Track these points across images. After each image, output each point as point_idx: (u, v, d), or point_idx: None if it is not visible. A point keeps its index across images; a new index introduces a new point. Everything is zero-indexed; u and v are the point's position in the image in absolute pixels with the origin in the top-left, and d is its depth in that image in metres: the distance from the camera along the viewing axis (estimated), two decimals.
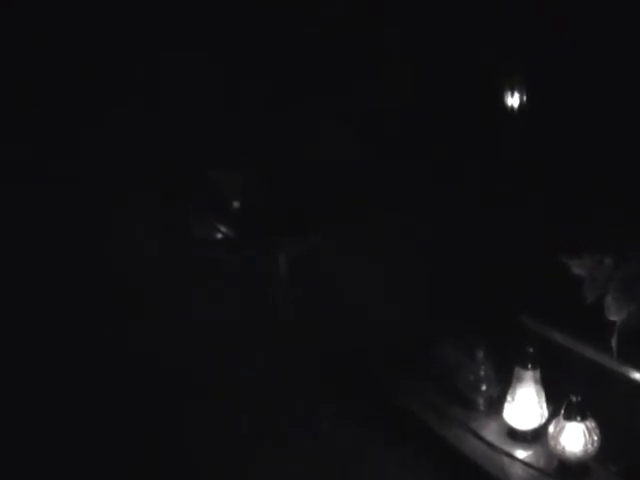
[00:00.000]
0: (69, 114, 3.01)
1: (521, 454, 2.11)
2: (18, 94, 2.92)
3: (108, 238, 3.11)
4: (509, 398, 2.17)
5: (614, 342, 2.02)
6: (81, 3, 2.87)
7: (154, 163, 3.18)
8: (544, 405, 2.15)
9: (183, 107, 3.12)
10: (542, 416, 2.14)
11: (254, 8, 3.02)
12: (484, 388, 2.31)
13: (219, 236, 3.36)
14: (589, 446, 1.97)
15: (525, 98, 2.55)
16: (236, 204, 3.36)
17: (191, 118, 3.15)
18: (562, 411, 1.99)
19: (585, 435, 1.97)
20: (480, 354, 2.31)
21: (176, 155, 3.22)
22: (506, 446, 2.14)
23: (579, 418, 1.97)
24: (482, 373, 2.31)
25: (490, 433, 2.20)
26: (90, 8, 2.86)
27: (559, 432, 2.00)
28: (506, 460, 2.10)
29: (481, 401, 2.32)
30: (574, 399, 1.97)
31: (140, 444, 2.46)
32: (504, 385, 2.23)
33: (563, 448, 1.99)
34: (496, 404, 2.27)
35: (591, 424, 1.98)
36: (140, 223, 3.20)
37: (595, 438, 1.97)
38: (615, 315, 2.03)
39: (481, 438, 2.18)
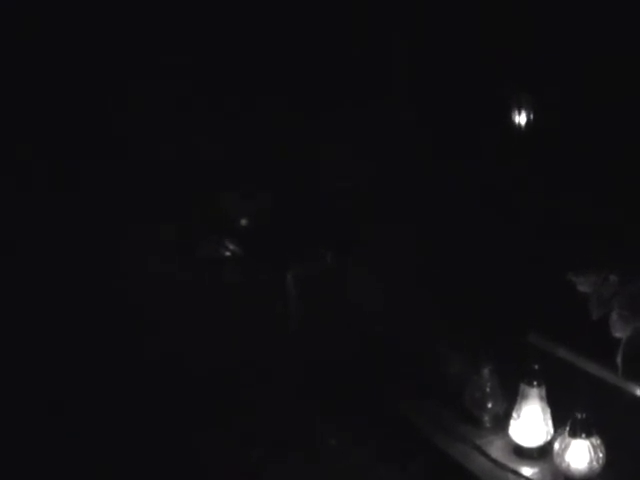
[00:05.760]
0: (85, 134, 3.06)
1: (527, 471, 2.10)
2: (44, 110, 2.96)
3: (121, 255, 3.14)
4: (515, 415, 2.17)
5: (619, 359, 2.02)
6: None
7: (166, 185, 3.21)
8: (550, 422, 2.14)
9: (194, 127, 3.15)
10: (548, 433, 2.14)
11: (270, 30, 3.06)
12: (490, 405, 2.30)
13: (228, 255, 3.38)
14: (594, 463, 1.97)
15: (532, 115, 2.56)
16: (246, 224, 3.39)
17: (203, 137, 3.18)
18: (567, 428, 1.99)
19: (590, 452, 1.96)
20: (486, 371, 2.31)
21: (187, 176, 3.25)
22: (512, 463, 2.13)
23: (584, 435, 1.96)
24: (488, 390, 2.31)
25: (496, 450, 2.20)
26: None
27: (564, 449, 1.99)
28: (512, 477, 2.09)
29: (487, 418, 2.31)
30: (579, 416, 1.96)
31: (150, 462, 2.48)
32: (510, 402, 2.23)
33: (568, 465, 1.99)
34: (502, 421, 2.27)
35: (596, 441, 1.97)
36: (152, 243, 3.23)
37: (600, 455, 1.97)
38: (620, 332, 2.03)
39: (487, 455, 2.18)
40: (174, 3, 2.93)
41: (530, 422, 2.14)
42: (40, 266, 3.04)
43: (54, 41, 2.83)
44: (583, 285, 2.11)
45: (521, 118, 2.57)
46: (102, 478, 2.42)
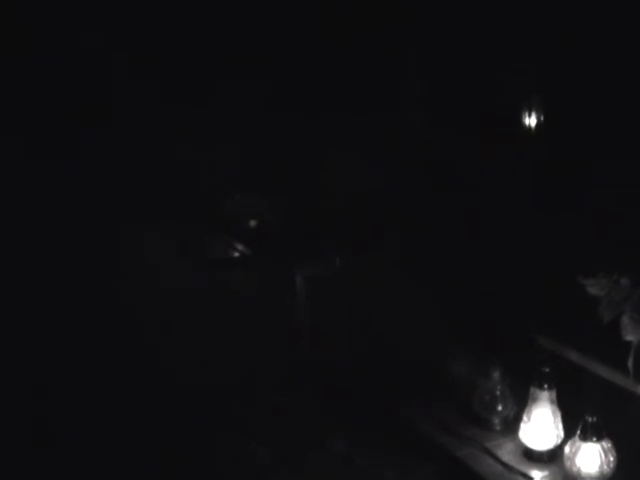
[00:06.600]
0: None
1: (537, 475, 2.09)
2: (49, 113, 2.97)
3: (125, 256, 3.15)
4: (525, 418, 2.16)
5: (630, 362, 2.01)
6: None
7: (175, 186, 3.22)
8: (560, 425, 2.13)
9: (205, 130, 3.16)
10: (558, 436, 2.13)
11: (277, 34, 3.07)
12: (500, 408, 2.30)
13: (237, 256, 3.39)
14: (605, 467, 1.96)
15: (543, 118, 2.56)
16: (255, 225, 3.40)
17: (212, 140, 3.19)
18: (578, 431, 1.98)
19: (601, 456, 1.95)
20: (496, 374, 2.30)
21: (197, 177, 3.26)
22: (522, 466, 2.13)
23: (595, 438, 1.95)
24: (498, 393, 2.30)
25: (506, 453, 2.19)
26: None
27: (575, 453, 1.98)
28: None
29: (497, 421, 2.31)
30: (590, 419, 1.95)
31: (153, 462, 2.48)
32: (520, 405, 2.23)
33: (579, 469, 1.98)
34: (512, 424, 2.26)
35: (607, 444, 1.96)
36: (159, 244, 3.24)
37: (611, 459, 1.96)
38: (631, 335, 2.02)
39: (497, 458, 2.17)
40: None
41: (540, 425, 2.13)
42: (42, 266, 3.05)
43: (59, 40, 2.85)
44: (594, 288, 2.09)
45: (531, 121, 2.57)
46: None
